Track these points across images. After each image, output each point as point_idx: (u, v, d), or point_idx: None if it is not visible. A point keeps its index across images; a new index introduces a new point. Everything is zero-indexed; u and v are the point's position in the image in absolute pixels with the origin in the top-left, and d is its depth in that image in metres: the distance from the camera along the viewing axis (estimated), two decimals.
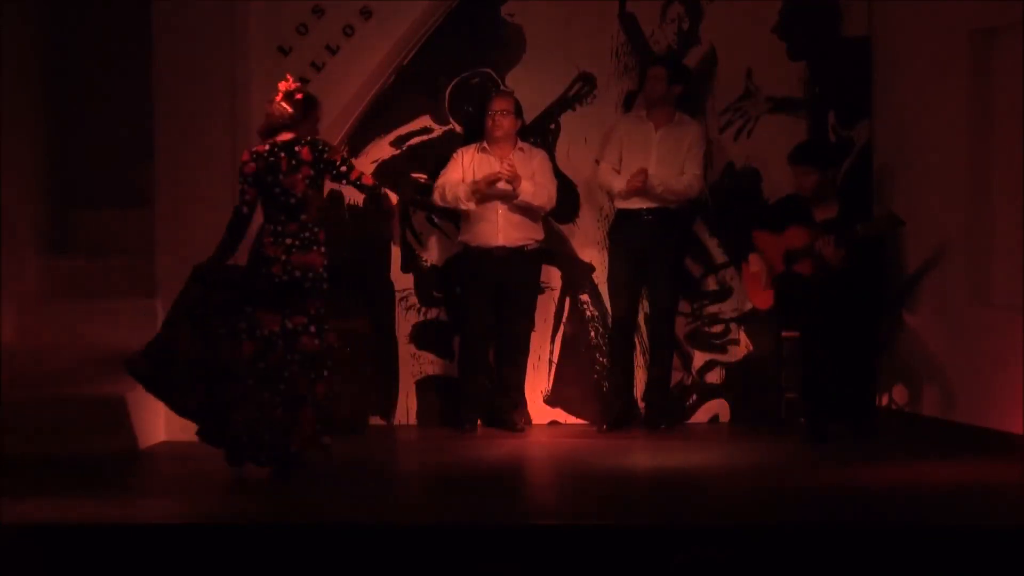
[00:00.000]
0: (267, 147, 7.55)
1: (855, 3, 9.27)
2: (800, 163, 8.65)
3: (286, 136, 7.54)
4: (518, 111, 8.96)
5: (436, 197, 8.94)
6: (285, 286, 7.48)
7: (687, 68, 9.13)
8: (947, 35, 8.40)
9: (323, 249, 7.57)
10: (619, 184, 8.91)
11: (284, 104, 7.56)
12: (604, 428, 8.98)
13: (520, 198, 8.78)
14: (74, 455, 7.84)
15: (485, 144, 8.93)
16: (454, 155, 8.99)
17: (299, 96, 7.60)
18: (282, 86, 7.63)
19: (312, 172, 7.50)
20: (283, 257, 7.49)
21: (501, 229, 8.83)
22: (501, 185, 8.73)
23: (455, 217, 9.09)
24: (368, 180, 7.67)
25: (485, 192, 8.74)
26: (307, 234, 7.53)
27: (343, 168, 7.57)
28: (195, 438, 8.52)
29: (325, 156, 7.52)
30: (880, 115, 9.18)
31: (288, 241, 7.51)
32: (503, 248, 8.83)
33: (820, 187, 8.61)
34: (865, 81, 9.24)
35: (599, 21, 9.27)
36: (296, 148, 7.51)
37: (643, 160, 8.94)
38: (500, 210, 8.81)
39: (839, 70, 9.27)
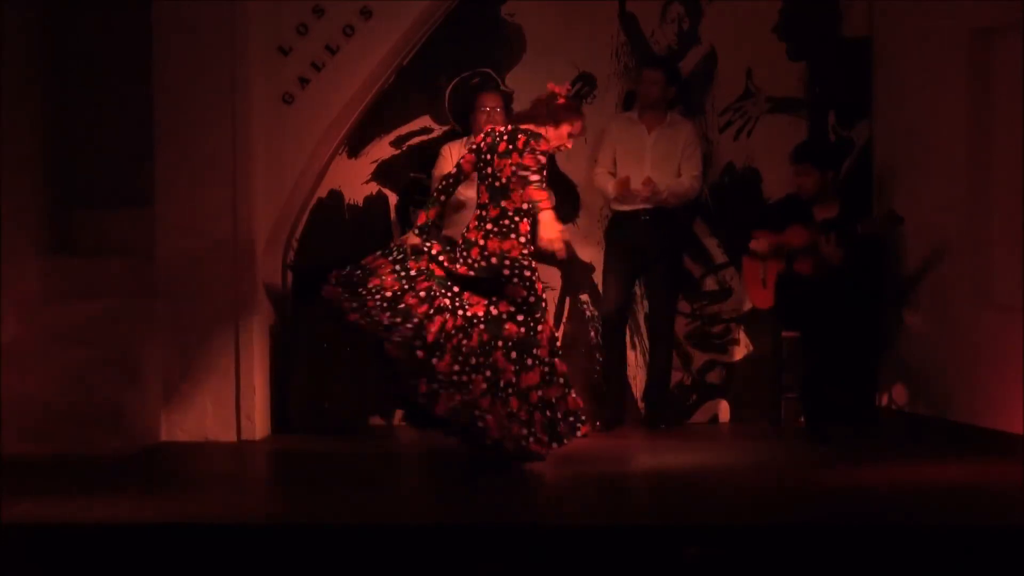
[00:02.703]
0: (502, 128, 7.68)
1: (855, 3, 9.28)
2: (802, 162, 8.67)
3: (524, 124, 7.65)
4: (507, 108, 8.99)
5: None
6: (483, 271, 7.53)
7: (679, 70, 9.15)
8: (947, 35, 8.39)
9: (522, 239, 7.55)
10: (612, 188, 8.94)
11: (542, 98, 7.67)
12: (598, 427, 8.97)
13: None
14: (74, 455, 7.84)
15: (472, 139, 8.94)
16: (441, 151, 9.01)
17: (560, 101, 7.65)
18: (556, 88, 7.72)
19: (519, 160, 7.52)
20: (481, 242, 7.55)
21: None
22: None
23: None
24: (542, 205, 7.50)
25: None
26: (506, 221, 7.55)
27: (531, 176, 7.48)
28: (194, 438, 8.54)
29: (525, 153, 7.52)
30: (880, 115, 9.18)
31: (488, 226, 7.56)
32: None
33: (820, 187, 8.63)
34: (865, 81, 9.24)
35: (599, 21, 9.28)
36: (518, 135, 7.58)
37: (638, 163, 8.96)
38: None
39: (839, 70, 9.28)
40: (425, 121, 9.29)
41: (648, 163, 8.97)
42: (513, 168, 7.51)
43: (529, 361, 7.53)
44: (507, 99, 9.06)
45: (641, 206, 8.96)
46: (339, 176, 9.27)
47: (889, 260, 8.92)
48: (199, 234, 8.64)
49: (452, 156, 8.92)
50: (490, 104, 8.90)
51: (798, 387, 8.73)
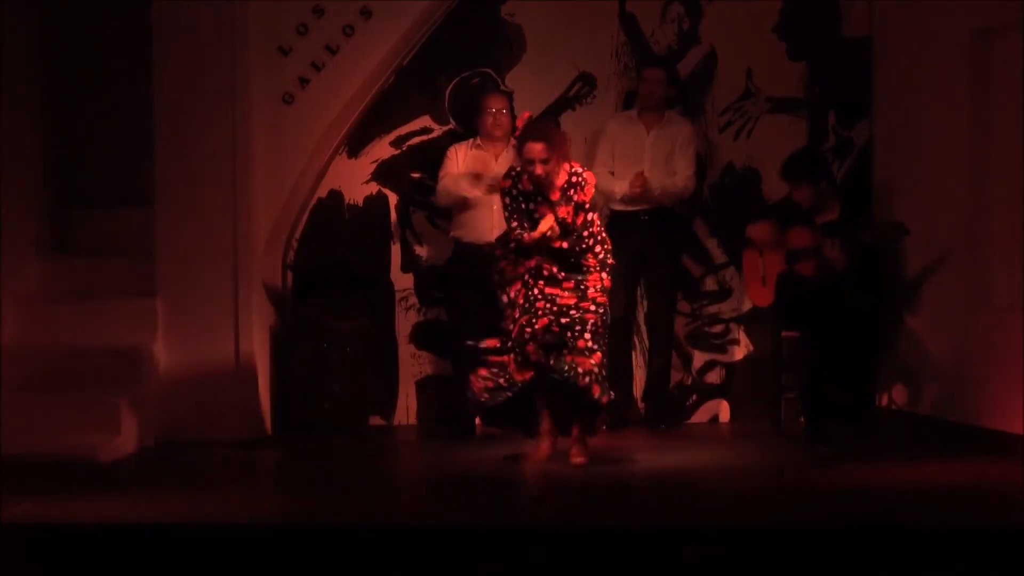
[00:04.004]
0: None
1: (855, 3, 9.28)
2: (794, 180, 8.64)
3: None
4: (512, 109, 8.99)
5: (441, 199, 8.92)
6: None
7: (678, 72, 9.16)
8: (947, 35, 8.39)
9: None
10: (620, 189, 8.92)
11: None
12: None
13: None
14: (74, 455, 7.84)
15: (479, 140, 8.93)
16: (448, 152, 8.99)
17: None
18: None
19: None
20: None
21: (496, 224, 8.79)
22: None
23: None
24: None
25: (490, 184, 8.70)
26: None
27: None
28: (194, 437, 8.52)
29: None
30: (880, 115, 9.18)
31: None
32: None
33: (816, 197, 8.59)
34: (865, 81, 9.24)
35: (599, 21, 9.27)
36: None
37: (636, 163, 8.96)
38: (496, 205, 8.75)
39: (839, 70, 9.27)
40: (425, 121, 9.29)
41: (647, 163, 8.97)
42: None
43: None
44: (512, 100, 9.05)
45: (641, 207, 8.96)
46: (339, 176, 9.26)
47: (889, 261, 8.91)
48: (199, 234, 8.64)
49: (458, 158, 8.92)
50: (496, 106, 8.90)
51: (798, 387, 8.73)
